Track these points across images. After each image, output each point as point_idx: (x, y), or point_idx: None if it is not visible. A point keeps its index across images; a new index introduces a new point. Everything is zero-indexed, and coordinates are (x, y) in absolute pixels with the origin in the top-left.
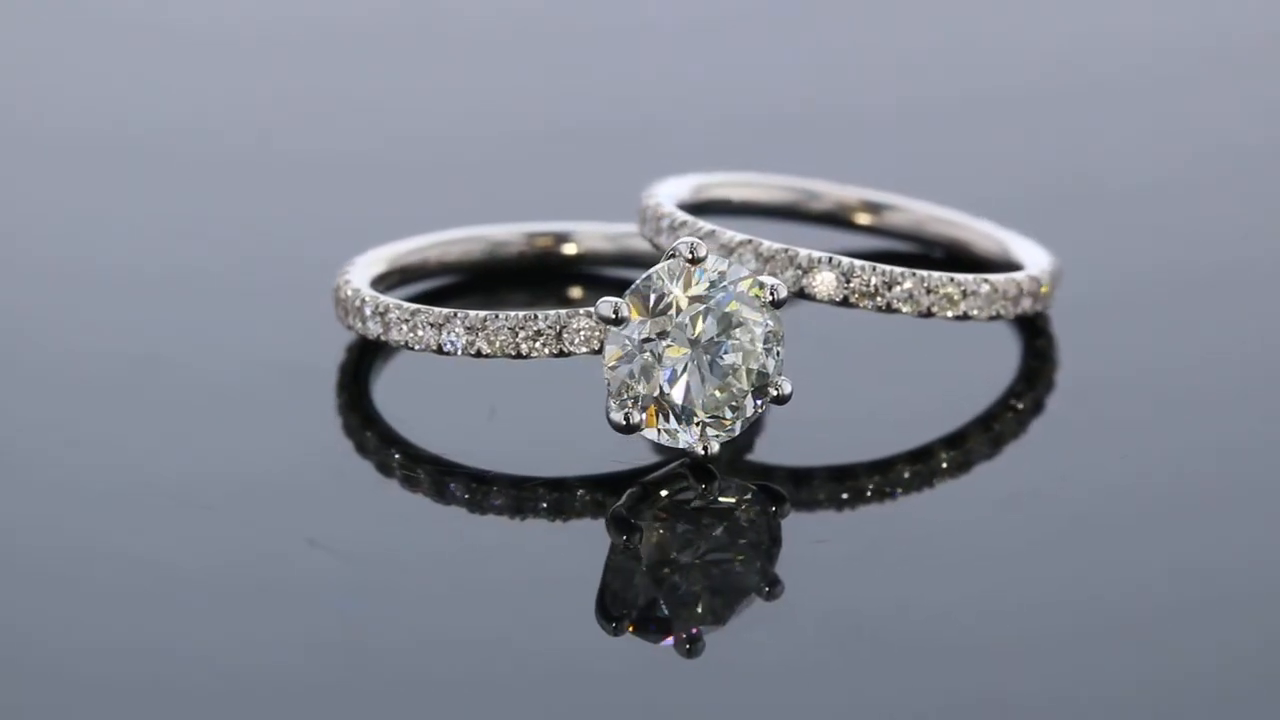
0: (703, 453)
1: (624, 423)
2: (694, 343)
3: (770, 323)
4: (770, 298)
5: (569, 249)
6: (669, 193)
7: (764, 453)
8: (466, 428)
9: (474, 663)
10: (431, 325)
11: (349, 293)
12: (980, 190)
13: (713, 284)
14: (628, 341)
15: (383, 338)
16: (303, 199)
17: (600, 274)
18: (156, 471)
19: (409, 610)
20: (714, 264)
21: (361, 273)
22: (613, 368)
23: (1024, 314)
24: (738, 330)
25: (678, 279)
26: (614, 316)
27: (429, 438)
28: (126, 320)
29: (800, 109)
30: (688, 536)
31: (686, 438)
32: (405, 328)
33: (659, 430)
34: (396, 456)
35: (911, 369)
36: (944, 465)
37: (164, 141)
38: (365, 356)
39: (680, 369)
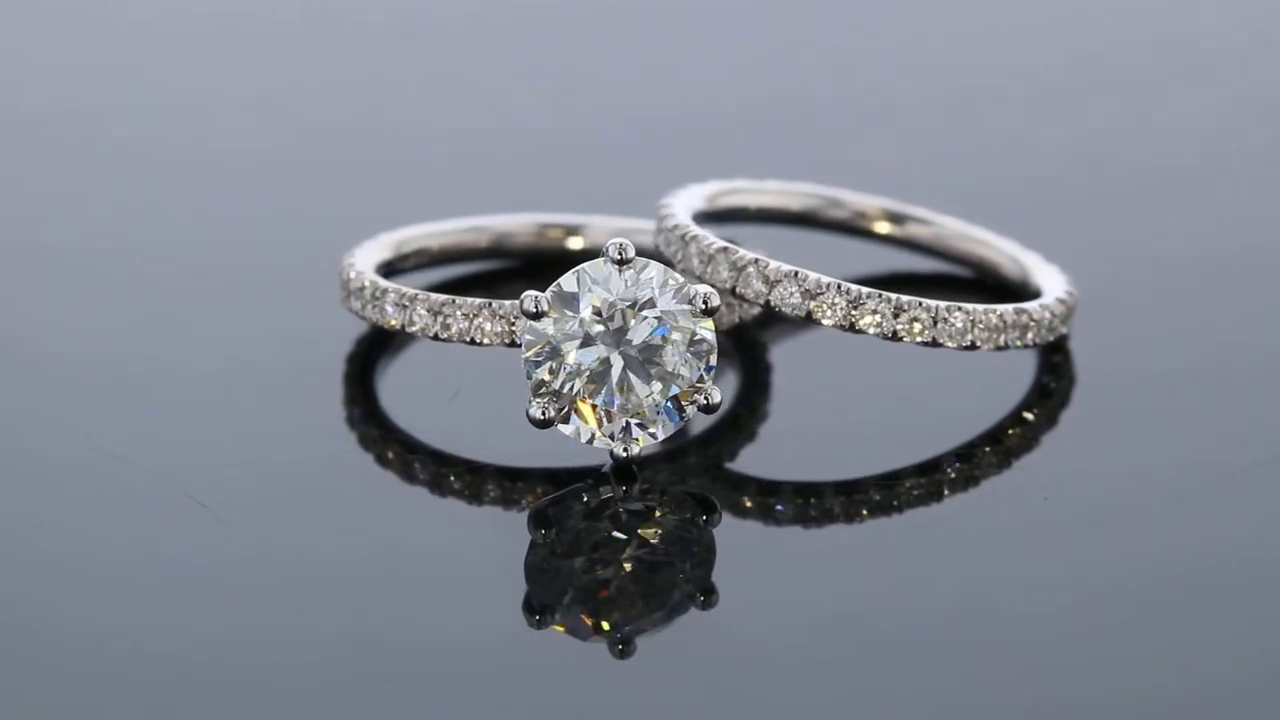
0: (624, 454)
1: (541, 417)
2: (618, 344)
3: (701, 330)
4: (703, 306)
5: (575, 243)
6: (685, 199)
7: (753, 466)
8: (459, 415)
9: (396, 659)
10: (397, 305)
11: (344, 266)
12: (987, 192)
13: (642, 287)
14: (548, 337)
15: (360, 314)
16: (318, 195)
17: None
18: (157, 465)
19: (339, 605)
20: (643, 266)
21: (366, 256)
22: (534, 362)
23: (1008, 348)
24: (665, 335)
25: (605, 279)
26: (534, 311)
27: (416, 422)
28: (130, 318)
29: (814, 108)
30: (614, 537)
31: (606, 439)
32: (376, 305)
33: (578, 428)
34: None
35: (915, 393)
36: (915, 493)
37: (185, 140)
38: (375, 345)
39: (602, 369)
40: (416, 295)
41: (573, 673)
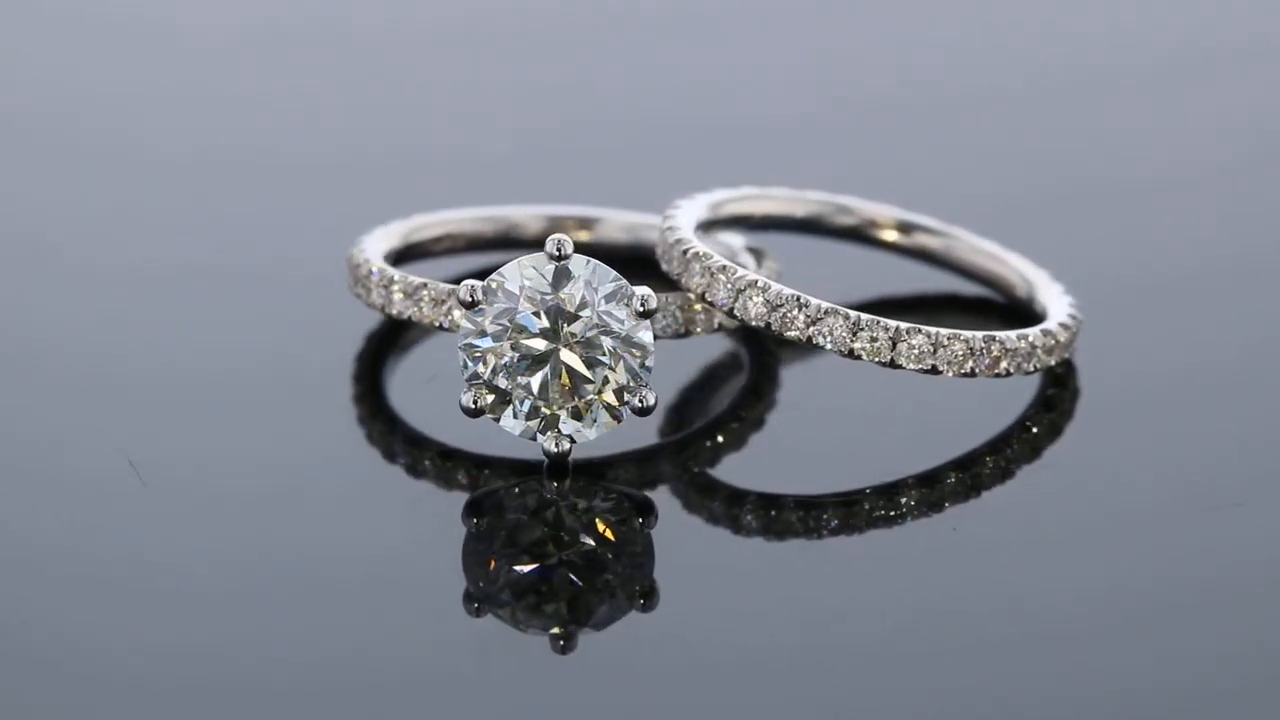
0: (555, 450)
1: (472, 406)
2: (553, 340)
3: (636, 332)
4: (640, 308)
5: (581, 235)
6: (689, 207)
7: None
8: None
9: (327, 654)
10: (380, 286)
11: (352, 250)
12: (989, 196)
13: (581, 284)
14: (484, 327)
15: (354, 293)
16: (332, 194)
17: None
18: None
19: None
20: (583, 264)
21: (376, 242)
22: (469, 351)
23: (974, 375)
24: (598, 334)
25: (543, 273)
26: (470, 300)
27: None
28: (137, 318)
29: (828, 110)
30: (551, 533)
31: (539, 433)
32: (364, 286)
33: (511, 420)
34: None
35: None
36: (878, 515)
37: (197, 140)
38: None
39: (537, 363)
40: (394, 278)
41: (511, 665)
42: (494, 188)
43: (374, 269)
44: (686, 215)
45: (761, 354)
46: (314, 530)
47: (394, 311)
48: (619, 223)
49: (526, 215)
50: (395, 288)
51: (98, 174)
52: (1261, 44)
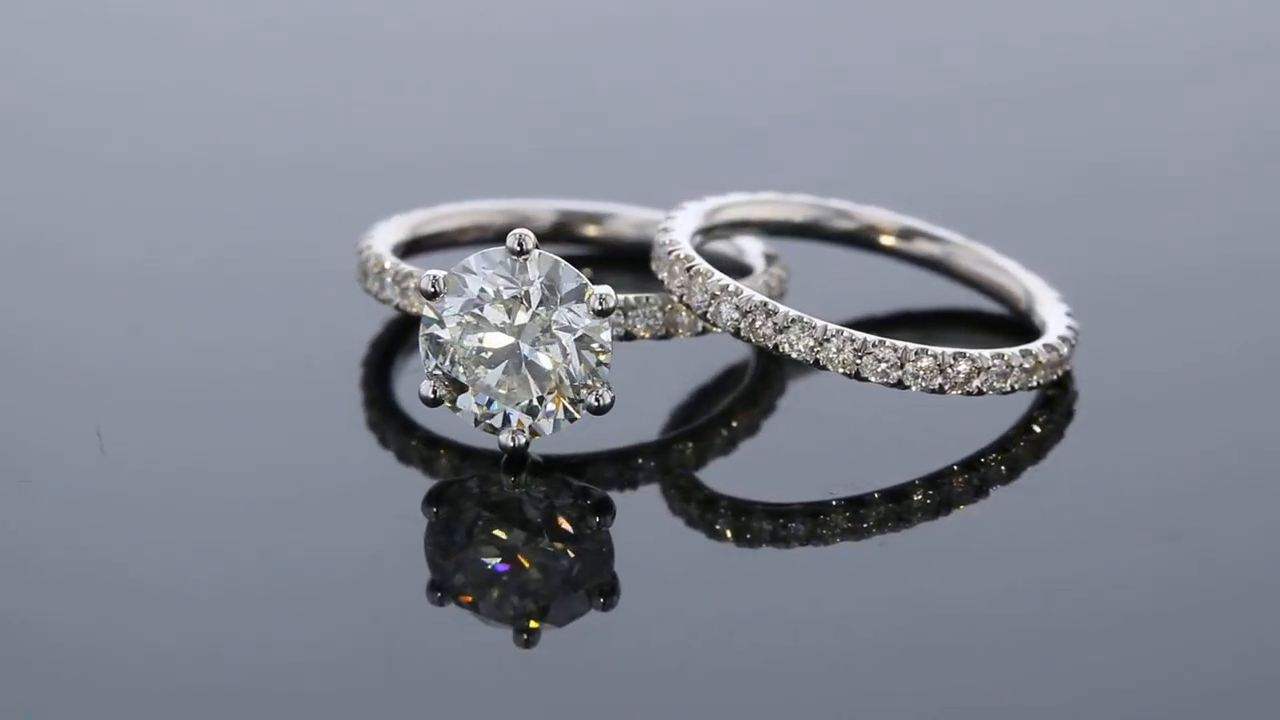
0: (512, 444)
1: (431, 396)
2: (512, 334)
3: (594, 330)
4: (598, 306)
5: (591, 230)
6: (692, 209)
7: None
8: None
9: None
10: (374, 273)
11: (360, 241)
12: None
13: (541, 279)
14: (443, 318)
15: (357, 280)
16: (355, 191)
17: (613, 260)
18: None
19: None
20: (543, 260)
21: (386, 233)
22: (430, 341)
23: (943, 392)
24: (556, 331)
25: (504, 267)
26: (432, 291)
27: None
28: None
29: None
30: (509, 527)
31: (497, 427)
32: (364, 273)
33: (470, 412)
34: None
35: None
36: (846, 527)
37: (205, 140)
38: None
39: (496, 356)
40: (386, 265)
41: (474, 655)
42: (509, 183)
43: (371, 256)
44: (686, 218)
45: (766, 360)
46: (308, 526)
47: (385, 298)
48: (630, 219)
49: (539, 208)
50: (387, 276)
51: (97, 174)
52: (1261, 44)
